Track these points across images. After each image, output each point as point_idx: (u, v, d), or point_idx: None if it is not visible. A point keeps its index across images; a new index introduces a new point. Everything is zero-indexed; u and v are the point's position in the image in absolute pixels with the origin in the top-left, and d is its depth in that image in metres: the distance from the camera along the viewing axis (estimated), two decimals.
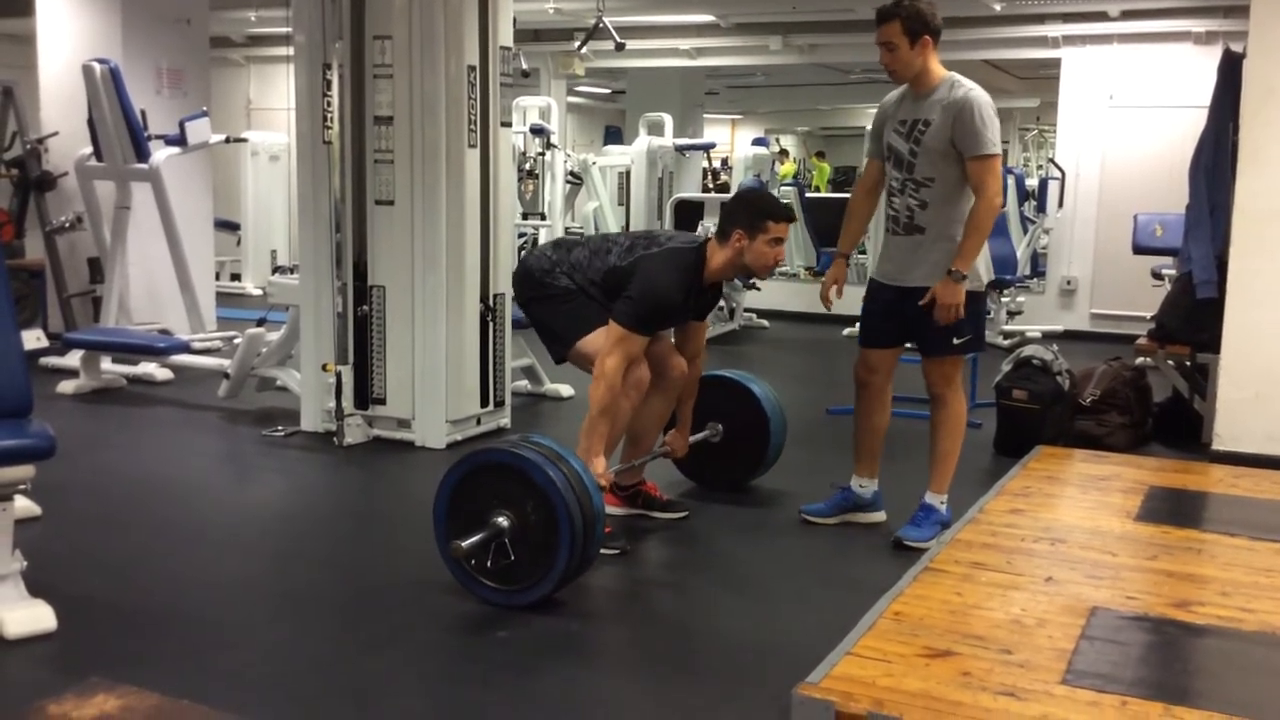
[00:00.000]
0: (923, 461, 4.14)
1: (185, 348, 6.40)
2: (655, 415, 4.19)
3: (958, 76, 3.87)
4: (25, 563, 3.15)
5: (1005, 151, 18.23)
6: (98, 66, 6.74)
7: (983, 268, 3.95)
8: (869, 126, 4.21)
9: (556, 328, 4.01)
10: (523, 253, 9.89)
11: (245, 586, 3.64)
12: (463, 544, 3.24)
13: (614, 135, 17.36)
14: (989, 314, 8.68)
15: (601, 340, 3.82)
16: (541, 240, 10.01)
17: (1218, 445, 5.08)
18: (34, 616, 3.09)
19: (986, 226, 3.80)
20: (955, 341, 3.92)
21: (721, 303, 9.16)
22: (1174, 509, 4.18)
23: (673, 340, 4.20)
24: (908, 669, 2.61)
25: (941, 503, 4.06)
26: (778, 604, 3.56)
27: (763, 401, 4.53)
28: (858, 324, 4.23)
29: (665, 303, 3.83)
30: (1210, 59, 6.64)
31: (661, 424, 4.26)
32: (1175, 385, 5.76)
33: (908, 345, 4.10)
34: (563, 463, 3.31)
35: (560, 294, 3.96)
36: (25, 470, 3.06)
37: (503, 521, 3.29)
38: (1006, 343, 8.48)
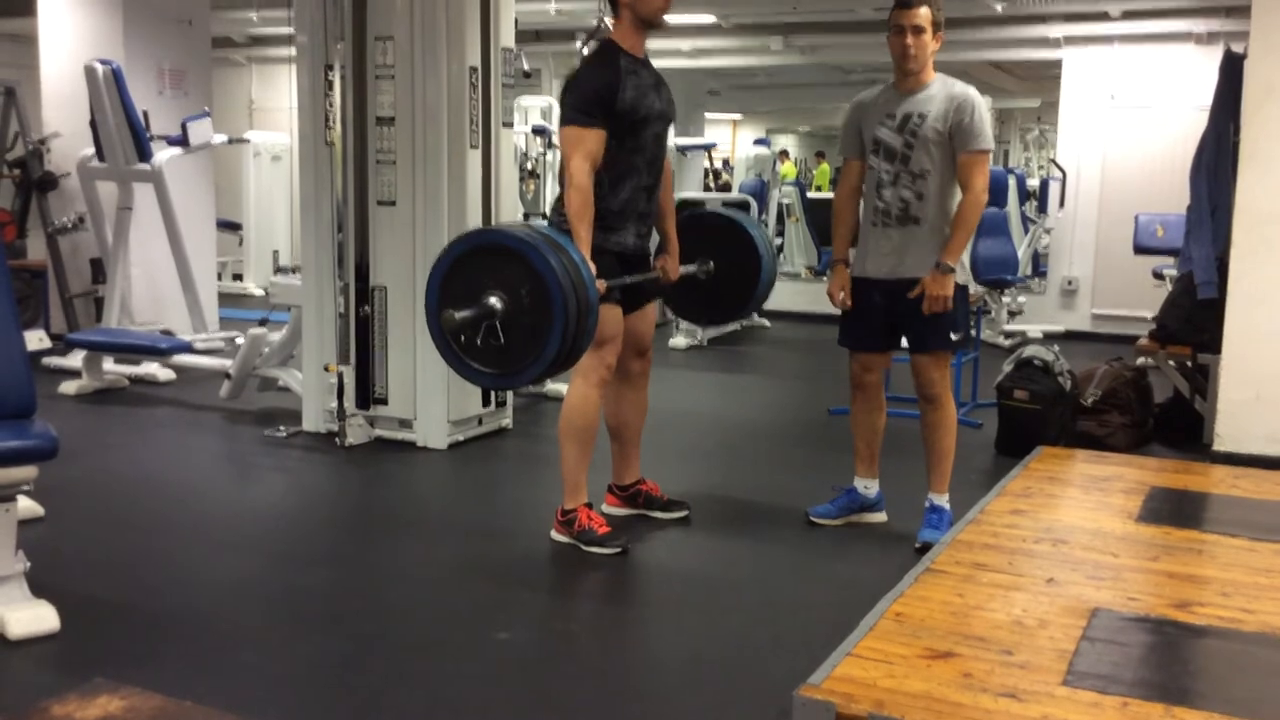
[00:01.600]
0: (917, 460, 4.15)
1: (187, 348, 6.41)
2: (631, 404, 4.18)
3: (947, 76, 3.94)
4: (28, 563, 3.16)
5: (1006, 152, 18.37)
6: (100, 67, 6.74)
7: (968, 266, 4.05)
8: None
9: None
10: None
11: (248, 587, 3.64)
12: (455, 315, 3.22)
13: None
14: (989, 313, 8.72)
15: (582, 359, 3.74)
16: None
17: (1219, 446, 5.08)
18: (37, 617, 3.10)
19: (973, 221, 3.87)
20: (953, 336, 3.96)
21: None
22: (1175, 510, 4.18)
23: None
24: (909, 670, 2.62)
25: (946, 501, 4.07)
26: (778, 604, 3.56)
27: (755, 239, 4.44)
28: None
29: (598, 86, 3.73)
30: (1211, 59, 6.65)
31: (639, 412, 4.24)
32: (1176, 386, 5.76)
33: (902, 346, 4.11)
34: (562, 251, 3.27)
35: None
36: (28, 471, 3.07)
37: (496, 303, 3.26)
38: (1008, 343, 8.49)
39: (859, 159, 4.04)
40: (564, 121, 3.74)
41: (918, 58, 3.85)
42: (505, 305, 3.25)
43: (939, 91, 3.87)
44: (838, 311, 4.13)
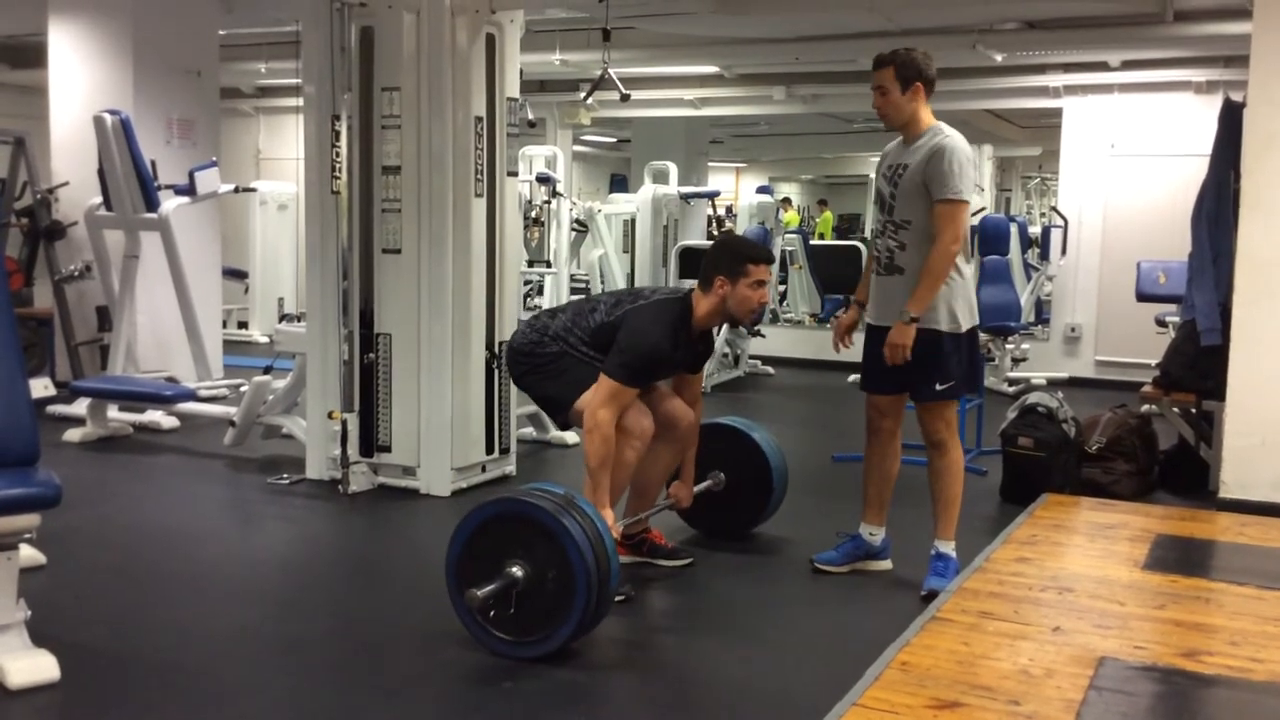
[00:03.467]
0: (921, 508, 4.13)
1: (191, 396, 6.42)
2: (662, 467, 4.19)
3: (943, 125, 3.96)
4: (29, 612, 3.14)
5: (1008, 199, 18.46)
6: (109, 117, 6.81)
7: (964, 311, 3.93)
8: (873, 175, 4.29)
9: (552, 393, 4.05)
10: (527, 300, 9.94)
11: (250, 636, 3.62)
12: (478, 593, 3.21)
13: (619, 183, 17.47)
14: (993, 360, 8.71)
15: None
16: (547, 287, 10.06)
17: (1224, 493, 5.06)
18: (37, 666, 3.08)
19: (940, 271, 3.80)
20: (938, 387, 3.92)
21: (727, 350, 9.20)
22: (1182, 557, 4.16)
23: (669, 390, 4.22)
24: None
25: (952, 549, 4.04)
26: (784, 653, 3.53)
27: (764, 449, 4.53)
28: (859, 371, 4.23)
29: (654, 354, 3.87)
30: (1211, 108, 6.70)
31: (667, 475, 4.26)
32: (1181, 432, 5.75)
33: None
34: (581, 515, 3.29)
35: (550, 359, 4.01)
36: (31, 519, 3.06)
37: (517, 572, 3.27)
38: (1012, 390, 8.48)
39: None
40: (610, 370, 3.82)
41: (887, 115, 3.98)
42: (526, 574, 3.26)
43: (926, 142, 3.91)
44: (841, 358, 4.17)
